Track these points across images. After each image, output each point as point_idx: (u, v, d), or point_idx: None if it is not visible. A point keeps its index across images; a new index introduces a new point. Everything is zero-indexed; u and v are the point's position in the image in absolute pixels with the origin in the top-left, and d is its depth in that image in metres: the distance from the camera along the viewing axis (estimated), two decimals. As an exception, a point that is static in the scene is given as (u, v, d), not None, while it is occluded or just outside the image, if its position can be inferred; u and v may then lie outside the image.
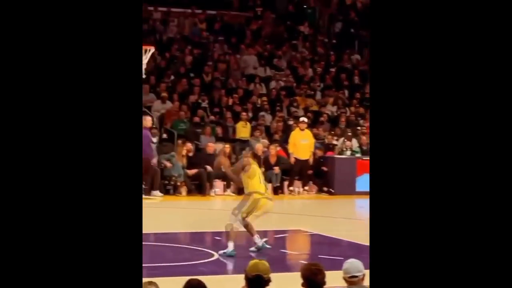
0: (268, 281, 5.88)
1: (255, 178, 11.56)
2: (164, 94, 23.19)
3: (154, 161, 19.78)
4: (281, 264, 11.59)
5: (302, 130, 21.41)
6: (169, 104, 23.11)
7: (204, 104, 23.83)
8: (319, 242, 14.18)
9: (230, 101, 24.31)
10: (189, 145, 20.75)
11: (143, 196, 18.92)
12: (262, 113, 23.94)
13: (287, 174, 21.37)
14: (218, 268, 11.29)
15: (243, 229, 11.96)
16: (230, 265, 11.38)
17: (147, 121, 19.69)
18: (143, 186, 19.54)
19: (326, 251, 12.55)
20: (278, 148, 21.61)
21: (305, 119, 21.96)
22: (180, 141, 20.98)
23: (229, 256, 11.48)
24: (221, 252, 11.63)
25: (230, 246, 11.43)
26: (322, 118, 24.01)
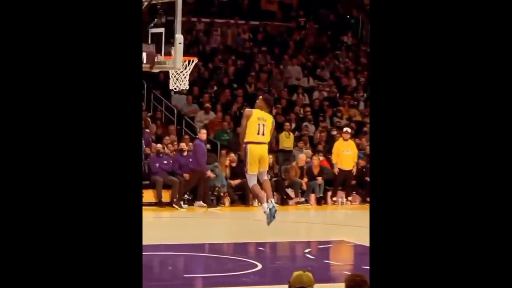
0: None
1: (251, 127, 10.59)
2: (207, 105, 23.25)
3: (209, 173, 19.97)
4: (325, 275, 11.53)
5: (346, 140, 21.35)
6: (212, 115, 23.19)
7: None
8: (363, 253, 13.96)
9: (273, 111, 24.31)
10: (232, 156, 20.84)
11: (187, 207, 19.34)
12: (305, 124, 23.96)
13: (330, 184, 21.33)
14: (261, 279, 11.19)
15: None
16: (273, 276, 11.30)
17: (203, 133, 19.96)
18: (187, 197, 19.87)
19: (370, 262, 12.48)
20: (322, 159, 21.63)
21: (349, 129, 21.91)
22: (223, 152, 21.13)
23: (272, 214, 10.34)
24: (265, 209, 10.60)
25: (265, 206, 10.53)
26: (365, 128, 23.92)
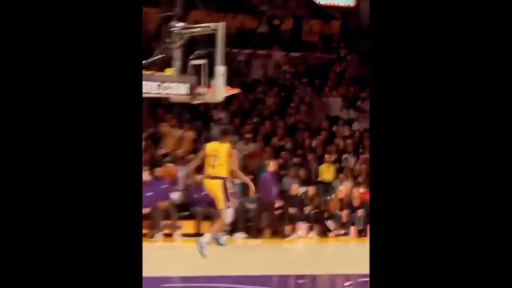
0: None
1: (206, 161, 10.87)
2: (247, 135, 23.11)
3: (277, 203, 19.97)
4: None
5: (386, 172, 21.03)
6: (251, 146, 23.05)
7: (288, 146, 23.66)
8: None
9: (314, 143, 24.29)
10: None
11: (227, 237, 19.13)
12: (345, 155, 23.85)
13: (371, 217, 20.89)
14: None
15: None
16: None
17: (272, 165, 20.07)
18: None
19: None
20: (362, 191, 21.53)
21: (389, 162, 21.59)
22: None
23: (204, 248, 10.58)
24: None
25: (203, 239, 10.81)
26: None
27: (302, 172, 22.20)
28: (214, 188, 10.63)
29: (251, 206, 20.06)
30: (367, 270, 14.88)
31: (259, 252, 18.26)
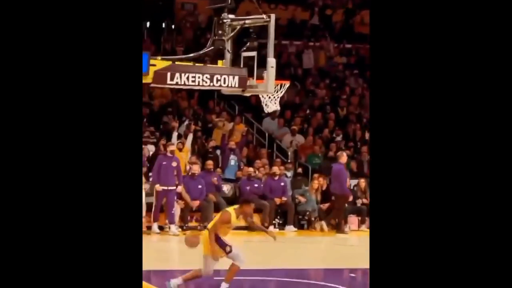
0: None
1: (222, 230, 10.29)
2: (294, 127, 23.12)
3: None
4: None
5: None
6: (301, 138, 23.03)
7: (339, 138, 23.58)
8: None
9: (366, 136, 24.11)
10: (321, 180, 20.54)
11: (278, 230, 19.02)
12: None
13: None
14: None
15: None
16: None
17: (343, 157, 19.83)
18: (277, 221, 19.64)
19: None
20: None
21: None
22: (315, 175, 20.90)
23: None
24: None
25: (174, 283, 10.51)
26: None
27: (353, 164, 22.10)
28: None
29: (302, 199, 20.05)
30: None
31: (310, 246, 18.14)
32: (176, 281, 10.32)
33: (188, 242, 10.29)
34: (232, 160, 20.55)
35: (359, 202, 20.41)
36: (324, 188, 20.44)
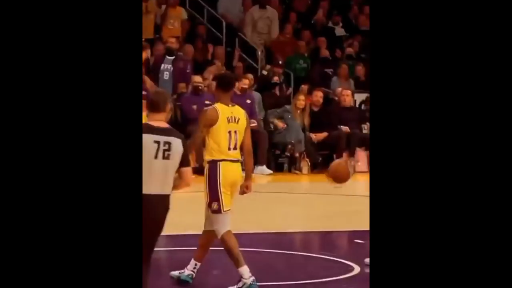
0: None
1: (218, 138, 10.04)
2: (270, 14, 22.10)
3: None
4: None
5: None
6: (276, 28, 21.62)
7: (338, 28, 22.86)
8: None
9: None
10: (317, 94, 18.80)
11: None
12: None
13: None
14: (211, 279, 10.38)
15: None
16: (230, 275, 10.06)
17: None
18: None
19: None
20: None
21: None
22: (301, 88, 19.65)
23: None
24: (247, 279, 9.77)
25: (245, 273, 9.85)
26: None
27: (360, 69, 21.30)
28: (239, 178, 9.73)
29: (281, 125, 19.01)
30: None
31: (293, 197, 17.43)
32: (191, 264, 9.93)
33: None
34: (166, 72, 19.35)
35: (366, 127, 19.41)
36: (316, 108, 19.10)
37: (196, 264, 9.74)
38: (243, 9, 22.57)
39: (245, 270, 9.57)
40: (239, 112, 9.61)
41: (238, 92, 17.96)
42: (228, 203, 9.50)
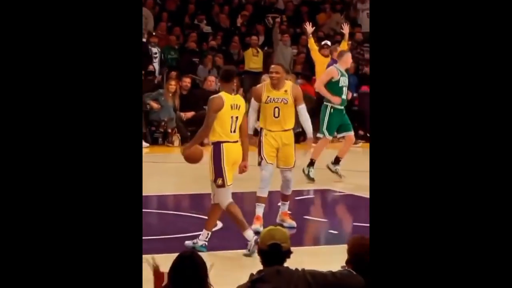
0: (288, 252, 5.90)
1: (223, 122, 10.55)
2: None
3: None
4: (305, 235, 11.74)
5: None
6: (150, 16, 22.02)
7: (202, 25, 23.21)
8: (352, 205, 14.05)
9: (239, 22, 23.76)
10: (185, 80, 20.27)
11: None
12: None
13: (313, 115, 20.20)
14: (222, 242, 10.65)
15: None
16: (238, 238, 10.52)
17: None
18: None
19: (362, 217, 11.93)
20: (300, 82, 20.58)
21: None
22: (171, 74, 20.81)
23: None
24: (251, 238, 10.24)
25: (250, 234, 10.44)
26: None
27: (219, 60, 22.10)
28: (239, 157, 10.33)
29: (155, 105, 19.70)
30: (308, 187, 14.47)
31: (167, 165, 18.08)
32: (204, 234, 10.24)
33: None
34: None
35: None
36: (185, 92, 20.23)
37: (208, 234, 10.17)
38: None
39: (249, 232, 10.08)
40: (240, 100, 10.10)
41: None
42: (230, 179, 9.92)
